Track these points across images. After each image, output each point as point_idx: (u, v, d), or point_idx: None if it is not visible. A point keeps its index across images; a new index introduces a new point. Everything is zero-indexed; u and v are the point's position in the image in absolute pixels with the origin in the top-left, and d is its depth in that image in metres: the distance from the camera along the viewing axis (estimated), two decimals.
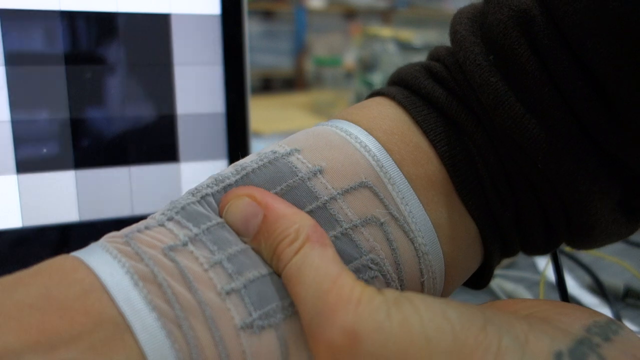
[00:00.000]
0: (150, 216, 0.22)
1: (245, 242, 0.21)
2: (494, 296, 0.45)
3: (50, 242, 0.37)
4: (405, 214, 0.22)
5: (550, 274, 0.48)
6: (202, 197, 0.22)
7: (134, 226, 0.21)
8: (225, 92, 0.40)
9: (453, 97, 0.24)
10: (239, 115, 0.41)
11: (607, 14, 0.20)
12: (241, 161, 0.23)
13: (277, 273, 0.21)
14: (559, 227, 0.25)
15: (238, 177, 0.22)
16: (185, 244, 0.20)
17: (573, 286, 0.47)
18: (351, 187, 0.22)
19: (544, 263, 0.50)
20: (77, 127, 0.37)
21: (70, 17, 0.36)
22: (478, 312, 0.19)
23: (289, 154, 0.23)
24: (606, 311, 0.43)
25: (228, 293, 0.19)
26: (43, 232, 0.37)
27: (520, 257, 0.52)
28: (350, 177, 0.22)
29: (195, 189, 0.22)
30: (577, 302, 0.45)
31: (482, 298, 0.44)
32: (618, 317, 0.41)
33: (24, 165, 0.36)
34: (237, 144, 0.41)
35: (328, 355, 0.18)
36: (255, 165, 0.22)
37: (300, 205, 0.22)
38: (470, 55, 0.23)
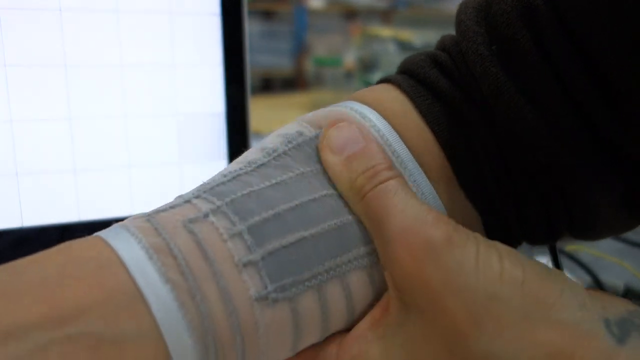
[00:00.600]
0: (179, 195, 0.22)
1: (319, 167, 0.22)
2: None
3: (50, 242, 0.37)
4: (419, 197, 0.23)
5: None
6: (234, 177, 0.22)
7: (158, 207, 0.21)
8: (225, 92, 0.40)
9: (456, 87, 0.24)
10: (239, 115, 0.41)
11: (612, 6, 0.20)
12: (265, 144, 0.24)
13: (357, 194, 0.22)
14: (559, 218, 0.25)
15: (270, 158, 0.23)
16: (206, 215, 0.20)
17: None
18: None
19: (543, 262, 0.50)
20: (78, 128, 0.37)
21: (69, 16, 0.36)
22: (546, 266, 0.21)
23: (316, 137, 0.24)
24: None
25: (245, 265, 0.20)
26: (43, 232, 0.37)
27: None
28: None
29: (228, 171, 0.23)
30: None
31: None
32: None
33: (24, 166, 0.36)
34: (237, 144, 0.41)
35: (424, 250, 0.20)
36: (285, 147, 0.23)
37: (331, 186, 0.23)
38: (472, 45, 0.24)
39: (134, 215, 0.21)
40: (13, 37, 0.35)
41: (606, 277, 0.46)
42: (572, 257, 0.49)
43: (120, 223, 0.21)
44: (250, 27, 0.55)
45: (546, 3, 0.22)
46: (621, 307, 0.21)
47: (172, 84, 0.39)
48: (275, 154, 0.23)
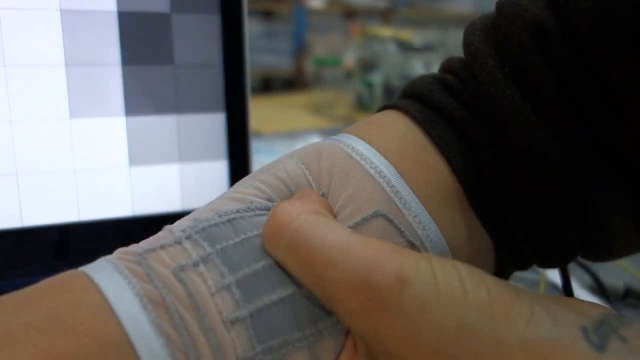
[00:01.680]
0: (168, 228, 0.21)
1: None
2: None
3: (50, 242, 0.37)
4: (422, 239, 0.22)
5: (550, 274, 0.48)
6: (229, 221, 0.21)
7: (149, 242, 0.21)
8: (225, 92, 0.40)
9: (467, 110, 0.24)
10: (239, 115, 0.41)
11: (623, 22, 0.20)
12: (262, 183, 0.23)
13: (276, 256, 0.20)
14: (574, 241, 0.24)
15: (270, 205, 0.22)
16: (196, 264, 0.19)
17: (573, 286, 0.47)
18: (364, 219, 0.22)
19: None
20: (78, 127, 0.37)
21: (69, 15, 0.36)
22: (510, 284, 0.20)
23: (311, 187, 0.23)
24: None
25: (233, 322, 0.19)
26: (43, 232, 0.37)
27: None
28: (363, 208, 0.22)
29: (223, 211, 0.21)
30: None
31: None
32: None
33: (24, 166, 0.36)
34: (237, 144, 0.41)
35: (376, 302, 0.18)
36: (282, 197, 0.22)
37: None
38: (485, 67, 0.23)
39: (123, 250, 0.21)
40: (13, 37, 0.35)
41: (606, 277, 0.46)
42: None
43: (108, 258, 0.20)
44: (250, 27, 0.55)
45: (557, 24, 0.22)
46: (594, 311, 0.20)
47: (171, 83, 0.39)
48: (271, 204, 0.22)
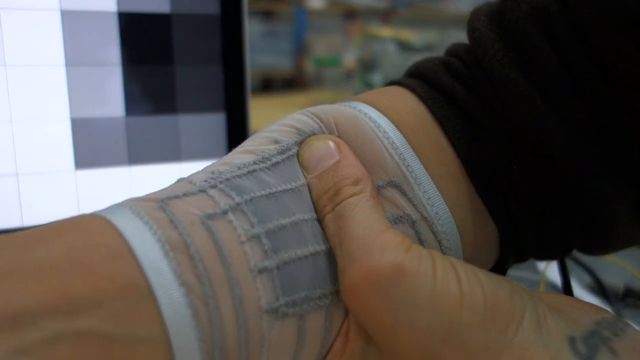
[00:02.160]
0: (184, 180, 0.21)
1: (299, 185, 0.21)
2: None
3: None
4: (432, 215, 0.22)
5: (550, 274, 0.48)
6: (250, 173, 0.21)
7: (170, 190, 0.20)
8: (225, 92, 0.40)
9: (472, 93, 0.24)
10: (239, 115, 0.41)
11: (626, 11, 0.20)
12: (278, 136, 0.23)
13: (322, 212, 0.21)
14: (574, 231, 0.24)
15: (284, 156, 0.22)
16: (225, 212, 0.19)
17: (573, 286, 0.47)
18: (380, 187, 0.22)
19: (544, 263, 0.50)
20: (78, 127, 0.37)
21: (69, 15, 0.36)
22: (506, 282, 0.20)
23: (341, 140, 0.23)
24: None
25: (260, 271, 0.19)
26: None
27: None
28: (380, 175, 0.22)
29: (242, 163, 0.21)
30: None
31: None
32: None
33: (24, 166, 0.36)
34: (237, 144, 0.41)
35: (367, 284, 0.19)
36: (297, 148, 0.23)
37: None
38: (489, 51, 0.23)
39: (143, 197, 0.20)
40: (13, 37, 0.35)
41: (606, 277, 0.46)
42: (572, 257, 0.49)
43: (129, 203, 0.19)
44: (250, 27, 0.55)
45: (561, 9, 0.22)
46: (588, 319, 0.20)
47: (171, 83, 0.39)
48: (290, 153, 0.22)
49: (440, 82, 0.24)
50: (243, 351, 0.18)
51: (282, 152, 0.22)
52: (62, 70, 0.36)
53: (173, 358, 0.17)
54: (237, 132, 0.41)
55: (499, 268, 0.26)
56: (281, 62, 2.74)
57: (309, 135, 0.23)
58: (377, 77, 1.39)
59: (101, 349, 0.16)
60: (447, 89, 0.24)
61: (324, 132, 0.23)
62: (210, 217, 0.19)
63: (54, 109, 0.36)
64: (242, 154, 0.22)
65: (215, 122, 0.41)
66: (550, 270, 0.48)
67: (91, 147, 0.37)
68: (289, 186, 0.21)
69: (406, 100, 0.25)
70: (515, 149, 0.23)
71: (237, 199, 0.20)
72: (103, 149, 0.38)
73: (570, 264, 0.49)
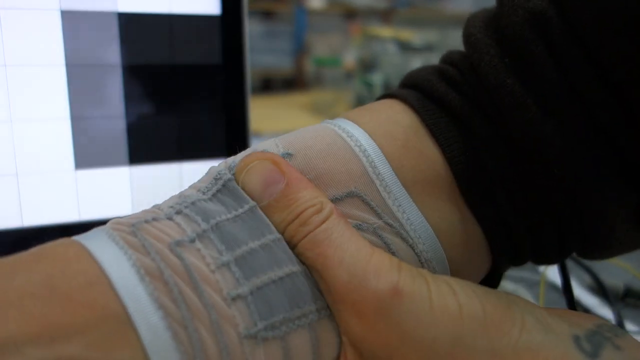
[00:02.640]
0: (155, 206, 0.21)
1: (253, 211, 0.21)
2: None
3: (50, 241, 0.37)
4: (402, 221, 0.22)
5: (550, 274, 0.48)
6: (214, 195, 0.21)
7: (140, 215, 0.20)
8: (225, 92, 0.40)
9: (466, 100, 0.24)
10: (239, 115, 0.41)
11: (624, 16, 0.20)
12: (230, 160, 0.23)
13: (289, 242, 0.20)
14: (572, 236, 0.24)
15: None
16: (192, 241, 0.19)
17: (573, 286, 0.47)
18: (336, 198, 0.22)
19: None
20: (78, 127, 0.37)
21: (70, 16, 0.36)
22: (502, 294, 0.20)
23: (280, 159, 0.22)
24: (606, 311, 0.43)
25: (234, 299, 0.19)
26: (43, 232, 0.37)
27: None
28: (339, 186, 0.22)
29: (205, 187, 0.21)
30: (577, 302, 0.45)
31: None
32: (618, 317, 0.41)
33: (24, 166, 0.36)
34: (237, 143, 0.41)
35: (370, 309, 0.19)
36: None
37: None
38: (485, 57, 0.23)
39: (116, 220, 0.20)
40: (13, 37, 0.35)
41: (606, 277, 0.46)
42: (572, 257, 0.49)
43: (103, 228, 0.20)
44: (250, 27, 0.55)
45: (558, 14, 0.22)
46: (588, 322, 0.20)
47: (171, 83, 0.39)
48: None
49: (433, 90, 0.24)
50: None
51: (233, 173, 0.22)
52: (62, 70, 0.36)
53: None
54: (237, 132, 0.41)
55: (494, 273, 0.26)
56: (281, 62, 2.74)
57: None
58: (377, 77, 1.39)
59: None
60: (441, 97, 0.24)
61: (278, 152, 0.22)
62: (179, 244, 0.19)
63: (54, 109, 0.36)
64: (205, 177, 0.22)
65: (215, 122, 0.41)
66: (550, 270, 0.48)
67: (91, 147, 0.37)
68: (252, 205, 0.21)
69: (391, 111, 0.25)
70: (510, 156, 0.23)
71: (203, 225, 0.20)
72: (103, 149, 0.38)
73: (570, 264, 0.49)
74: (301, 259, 0.21)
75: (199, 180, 0.23)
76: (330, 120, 0.25)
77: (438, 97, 0.24)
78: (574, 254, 0.26)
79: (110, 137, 0.38)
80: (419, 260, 0.22)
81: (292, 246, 0.20)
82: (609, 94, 0.21)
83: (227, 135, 0.41)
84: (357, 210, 0.22)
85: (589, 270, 0.47)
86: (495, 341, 0.18)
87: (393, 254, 0.22)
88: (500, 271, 0.26)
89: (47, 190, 0.37)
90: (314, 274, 0.20)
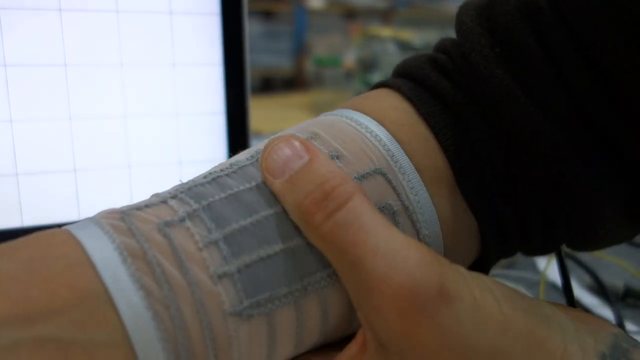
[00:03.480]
0: (155, 193, 0.21)
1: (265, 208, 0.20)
2: None
3: None
4: (414, 204, 0.22)
5: (550, 274, 0.48)
6: (214, 179, 0.21)
7: (134, 204, 0.20)
8: (225, 92, 0.40)
9: (458, 89, 0.24)
10: (239, 115, 0.41)
11: (616, 7, 0.20)
12: (258, 146, 0.23)
13: (309, 224, 0.19)
14: (559, 227, 0.24)
15: (253, 160, 0.22)
16: (182, 220, 0.19)
17: (573, 286, 0.47)
18: (366, 173, 0.22)
19: (544, 263, 0.50)
20: (77, 128, 0.37)
21: (69, 15, 0.36)
22: (539, 305, 0.20)
23: (307, 139, 0.22)
24: (606, 311, 0.43)
25: (220, 277, 0.18)
26: None
27: (521, 257, 0.52)
28: (365, 163, 0.22)
29: (208, 172, 0.21)
30: (577, 302, 0.45)
31: None
32: (618, 317, 0.41)
33: (24, 165, 0.36)
34: (237, 144, 0.41)
35: (411, 306, 0.18)
36: None
37: None
38: (476, 46, 0.23)
39: (107, 210, 0.20)
40: (13, 37, 0.35)
41: (606, 277, 0.46)
42: (572, 257, 0.49)
43: (92, 217, 0.20)
44: (250, 27, 0.55)
45: (550, 5, 0.22)
46: (606, 332, 0.20)
47: (172, 84, 0.39)
48: (258, 155, 0.22)
49: (425, 78, 0.24)
50: (210, 350, 0.18)
51: (252, 157, 0.22)
52: (62, 70, 0.36)
53: (136, 358, 0.17)
54: (237, 132, 0.41)
55: (483, 261, 0.26)
56: (281, 62, 2.74)
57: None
58: (377, 77, 1.39)
59: (60, 354, 0.16)
60: (433, 85, 0.24)
61: (301, 136, 0.22)
62: (168, 224, 0.19)
63: (54, 108, 0.36)
64: (218, 165, 0.22)
65: (215, 122, 0.41)
66: (551, 270, 0.48)
67: (90, 148, 0.37)
68: (252, 184, 0.21)
69: (390, 100, 0.25)
70: (500, 144, 0.23)
71: (195, 206, 0.20)
72: (103, 150, 0.38)
73: (570, 264, 0.49)
74: (320, 244, 0.19)
75: (238, 155, 0.22)
76: (331, 112, 0.25)
77: (431, 86, 0.24)
78: (573, 250, 0.26)
79: (109, 138, 0.38)
80: None
81: (313, 229, 0.19)
82: (598, 85, 0.21)
83: (227, 135, 0.41)
84: (381, 190, 0.22)
85: (589, 270, 0.47)
86: (537, 358, 0.18)
87: None
88: (488, 262, 0.26)
89: (47, 190, 0.37)
90: (333, 261, 0.19)
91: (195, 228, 0.19)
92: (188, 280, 0.18)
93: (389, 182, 0.22)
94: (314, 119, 0.25)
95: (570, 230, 0.24)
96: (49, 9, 0.35)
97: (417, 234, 0.22)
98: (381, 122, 0.23)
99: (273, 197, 0.20)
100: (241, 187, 0.20)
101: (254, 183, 0.21)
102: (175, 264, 0.18)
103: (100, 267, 0.17)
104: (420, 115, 0.24)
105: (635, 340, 0.20)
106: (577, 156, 0.22)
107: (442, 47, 0.26)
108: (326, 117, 0.24)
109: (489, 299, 0.19)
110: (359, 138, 0.23)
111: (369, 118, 0.23)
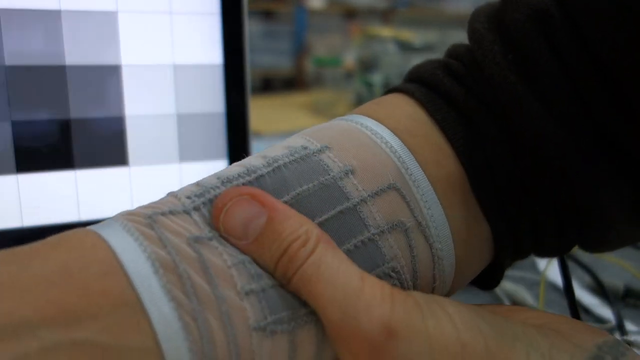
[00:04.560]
0: (171, 194, 0.21)
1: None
2: (495, 296, 0.45)
3: None
4: (427, 218, 0.22)
5: (550, 274, 0.48)
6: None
7: (157, 205, 0.20)
8: (225, 92, 0.40)
9: (471, 95, 0.24)
10: (239, 115, 0.41)
11: (627, 13, 0.20)
12: (268, 152, 0.23)
13: (283, 279, 0.20)
14: (572, 230, 0.24)
15: (270, 169, 0.21)
16: (210, 239, 0.20)
17: (573, 286, 0.47)
18: (380, 190, 0.22)
19: (544, 263, 0.50)
20: (77, 127, 0.37)
21: (69, 15, 0.36)
22: (506, 326, 0.20)
23: (320, 151, 0.22)
24: (606, 311, 0.43)
25: (247, 293, 0.19)
26: (43, 232, 0.37)
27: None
28: (379, 178, 0.22)
29: (226, 177, 0.21)
30: (577, 303, 0.45)
31: (483, 298, 0.44)
32: (618, 317, 0.41)
33: (24, 165, 0.36)
34: (237, 144, 0.41)
35: (363, 351, 0.18)
36: (287, 160, 0.22)
37: (330, 205, 0.21)
38: (489, 53, 0.23)
39: (132, 211, 0.20)
40: (13, 37, 0.35)
41: (606, 277, 0.46)
42: (572, 257, 0.49)
43: (120, 219, 0.20)
44: (250, 27, 0.55)
45: (560, 12, 0.22)
46: (590, 342, 0.20)
47: (172, 84, 0.39)
48: (275, 165, 0.22)
49: (439, 84, 0.24)
50: (234, 354, 0.18)
51: (268, 164, 0.22)
52: (62, 70, 0.36)
53: None
54: (237, 132, 0.41)
55: (497, 267, 0.26)
56: (281, 62, 2.74)
57: (295, 150, 0.22)
58: (377, 77, 1.39)
59: (96, 358, 0.17)
60: (447, 91, 0.24)
61: (316, 146, 0.22)
62: (197, 240, 0.19)
63: (56, 108, 0.36)
64: (233, 167, 0.22)
65: (215, 122, 0.41)
66: (551, 270, 0.48)
67: (92, 147, 0.37)
68: None
69: (404, 106, 0.25)
70: (512, 150, 0.23)
71: None
72: (103, 150, 0.38)
73: (570, 264, 0.49)
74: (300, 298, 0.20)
75: (249, 159, 0.23)
76: (345, 117, 0.25)
77: (444, 91, 0.24)
78: (576, 251, 0.26)
79: (109, 138, 0.38)
80: (433, 260, 0.22)
81: (285, 281, 0.20)
82: (609, 91, 0.21)
83: (227, 135, 0.41)
84: (394, 207, 0.22)
85: (589, 270, 0.47)
86: None
87: (413, 257, 0.22)
88: (502, 266, 0.26)
89: (47, 190, 0.37)
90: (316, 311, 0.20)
91: (223, 248, 0.20)
92: (216, 294, 0.19)
93: (403, 197, 0.22)
94: (328, 123, 0.24)
95: (581, 232, 0.24)
96: (49, 9, 0.35)
97: (430, 248, 0.22)
98: (395, 131, 0.23)
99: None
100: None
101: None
102: (205, 278, 0.19)
103: (133, 277, 0.18)
104: (435, 122, 0.24)
105: (625, 348, 0.20)
106: (589, 163, 0.22)
107: (455, 53, 0.26)
108: (340, 123, 0.24)
109: (447, 327, 0.19)
110: (374, 149, 0.23)
111: (383, 127, 0.23)
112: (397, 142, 0.23)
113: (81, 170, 0.37)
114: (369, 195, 0.21)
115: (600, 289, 0.45)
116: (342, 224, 0.21)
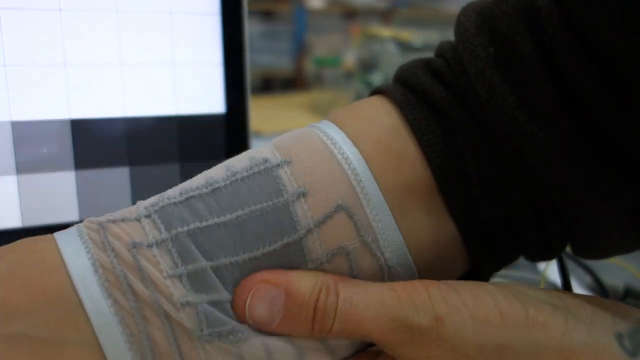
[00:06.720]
0: (137, 204, 0.22)
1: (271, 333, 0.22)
2: None
3: None
4: (376, 231, 0.22)
5: (550, 274, 0.48)
6: (187, 199, 0.22)
7: (116, 213, 0.22)
8: (225, 92, 0.40)
9: (449, 91, 0.24)
10: (239, 115, 0.41)
11: (618, 3, 0.20)
12: (232, 162, 0.23)
13: (323, 333, 0.21)
14: (555, 232, 0.24)
15: (227, 182, 0.22)
16: (150, 246, 0.21)
17: (573, 286, 0.47)
18: (327, 216, 0.22)
19: (544, 263, 0.50)
20: (77, 128, 0.37)
21: (69, 15, 0.36)
22: (543, 295, 0.21)
23: (279, 165, 0.23)
24: None
25: (183, 305, 0.20)
26: (43, 232, 0.37)
27: (521, 258, 0.52)
28: (329, 201, 0.22)
29: (185, 188, 0.22)
30: None
31: None
32: None
33: (24, 166, 0.36)
34: (237, 144, 0.41)
35: (417, 342, 0.20)
36: (245, 174, 0.22)
37: (278, 235, 0.22)
38: (469, 46, 0.23)
39: (93, 219, 0.22)
40: (13, 37, 0.35)
41: (606, 278, 0.46)
42: (572, 257, 0.49)
43: (80, 224, 0.22)
44: (250, 27, 0.55)
45: (550, 3, 0.21)
46: (631, 318, 0.21)
47: (172, 84, 0.39)
48: (234, 178, 0.22)
49: (416, 83, 0.24)
50: (174, 349, 0.20)
51: (227, 177, 0.23)
52: (62, 70, 0.36)
53: (104, 356, 0.19)
54: (237, 132, 0.41)
55: (479, 272, 0.26)
56: (281, 62, 2.74)
57: (256, 163, 0.23)
58: (377, 77, 1.39)
59: (32, 349, 0.19)
60: (424, 89, 0.24)
61: (277, 159, 0.23)
62: (136, 246, 0.21)
63: (54, 108, 0.36)
64: (196, 178, 0.23)
65: (215, 122, 0.41)
66: (551, 270, 0.48)
67: (91, 148, 0.37)
68: (225, 218, 0.22)
69: (375, 111, 0.25)
70: (489, 147, 0.23)
71: (164, 235, 0.21)
72: (103, 150, 0.38)
73: (570, 264, 0.49)
74: (345, 338, 0.22)
75: (188, 181, 0.23)
76: (316, 124, 0.25)
77: (421, 90, 0.24)
78: (579, 256, 0.26)
79: (109, 138, 0.38)
80: (381, 270, 0.23)
81: (328, 333, 0.21)
82: (604, 83, 0.21)
83: (227, 135, 0.41)
84: (339, 230, 0.22)
85: (589, 270, 0.47)
86: (539, 343, 0.19)
87: (354, 277, 0.22)
88: (482, 268, 0.25)
89: (47, 190, 0.37)
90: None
91: (161, 257, 0.21)
92: (153, 295, 0.20)
93: (351, 217, 0.22)
94: (296, 132, 0.25)
95: (570, 238, 0.24)
96: (49, 9, 0.35)
97: (378, 260, 0.22)
98: (356, 141, 0.23)
99: (245, 232, 0.22)
100: (210, 222, 0.21)
101: (224, 218, 0.21)
102: (141, 281, 0.20)
103: (74, 276, 0.20)
104: (407, 122, 0.24)
105: None
106: (567, 159, 0.21)
107: (440, 50, 0.26)
108: (305, 133, 0.24)
109: (487, 303, 0.20)
110: (330, 164, 0.23)
111: (344, 135, 0.23)
112: (354, 153, 0.23)
113: (81, 170, 0.37)
114: (315, 226, 0.22)
115: (600, 289, 0.45)
116: (285, 258, 0.22)
